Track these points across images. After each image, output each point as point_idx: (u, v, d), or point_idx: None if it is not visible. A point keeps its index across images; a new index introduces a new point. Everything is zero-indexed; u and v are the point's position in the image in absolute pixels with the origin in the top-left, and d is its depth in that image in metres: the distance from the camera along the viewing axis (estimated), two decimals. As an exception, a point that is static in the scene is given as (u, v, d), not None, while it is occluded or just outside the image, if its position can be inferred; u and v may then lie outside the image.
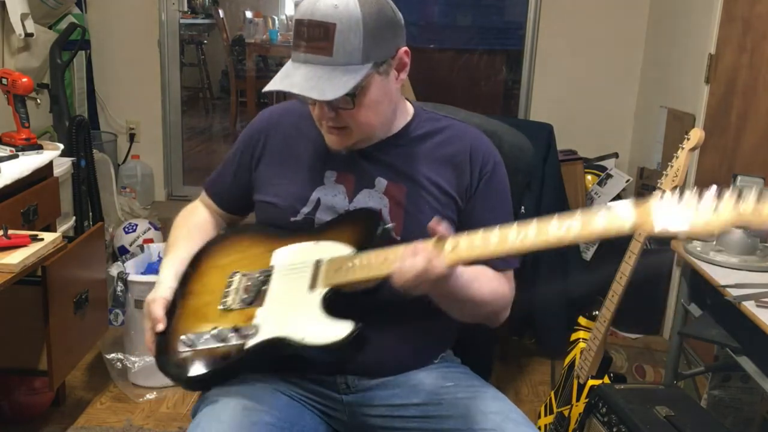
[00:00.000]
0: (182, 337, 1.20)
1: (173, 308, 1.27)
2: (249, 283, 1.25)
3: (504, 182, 1.34)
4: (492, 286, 1.25)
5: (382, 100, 1.24)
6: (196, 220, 1.47)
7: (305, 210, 1.30)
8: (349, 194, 1.30)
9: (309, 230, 1.29)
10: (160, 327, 1.23)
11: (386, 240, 1.22)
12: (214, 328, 1.19)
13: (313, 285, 1.18)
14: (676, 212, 0.92)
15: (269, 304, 1.20)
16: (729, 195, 0.90)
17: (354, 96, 1.18)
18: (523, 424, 1.19)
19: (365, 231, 1.23)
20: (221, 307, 1.23)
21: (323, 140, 1.31)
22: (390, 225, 1.26)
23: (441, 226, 1.07)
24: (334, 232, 1.25)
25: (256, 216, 1.42)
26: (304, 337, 1.12)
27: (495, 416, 1.20)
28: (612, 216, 0.96)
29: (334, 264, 1.18)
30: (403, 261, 1.06)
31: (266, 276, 1.24)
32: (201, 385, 1.23)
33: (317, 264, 1.21)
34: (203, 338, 1.19)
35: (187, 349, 1.19)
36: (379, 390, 1.28)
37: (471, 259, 1.07)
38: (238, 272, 1.28)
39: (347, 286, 1.16)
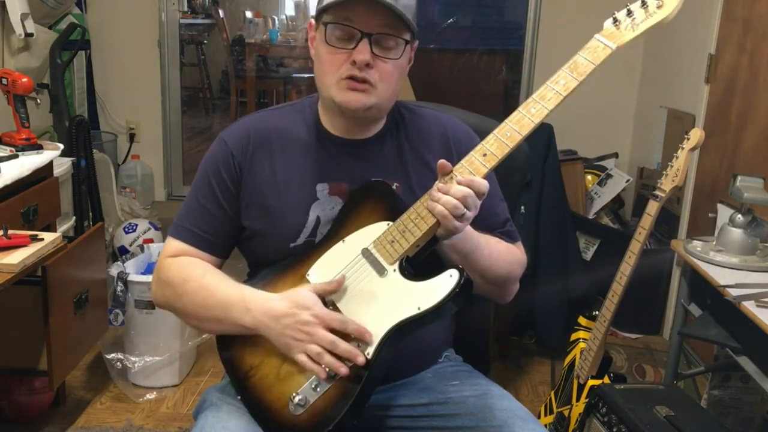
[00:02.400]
0: (294, 399, 1.11)
1: (243, 390, 1.18)
2: None
3: None
4: (501, 247, 1.29)
5: (399, 77, 1.24)
6: (205, 267, 1.26)
7: (306, 232, 1.25)
8: None
9: (322, 240, 1.23)
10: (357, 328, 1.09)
11: (400, 198, 1.22)
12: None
13: (380, 270, 1.14)
14: (635, 15, 1.14)
15: (352, 312, 1.13)
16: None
17: (406, 45, 1.19)
18: (530, 421, 1.20)
19: (385, 200, 1.20)
20: None
21: (306, 153, 1.27)
22: (395, 185, 1.24)
23: (445, 162, 1.11)
24: (351, 223, 1.20)
25: (243, 247, 1.31)
26: (418, 307, 1.08)
27: (502, 413, 1.20)
28: (595, 48, 1.13)
29: (384, 241, 1.14)
30: (440, 199, 1.08)
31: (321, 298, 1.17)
32: (349, 425, 1.10)
33: (366, 253, 1.16)
34: (314, 386, 1.11)
35: (304, 406, 1.10)
36: (387, 392, 1.28)
37: (502, 155, 1.10)
38: None
39: (411, 250, 1.13)
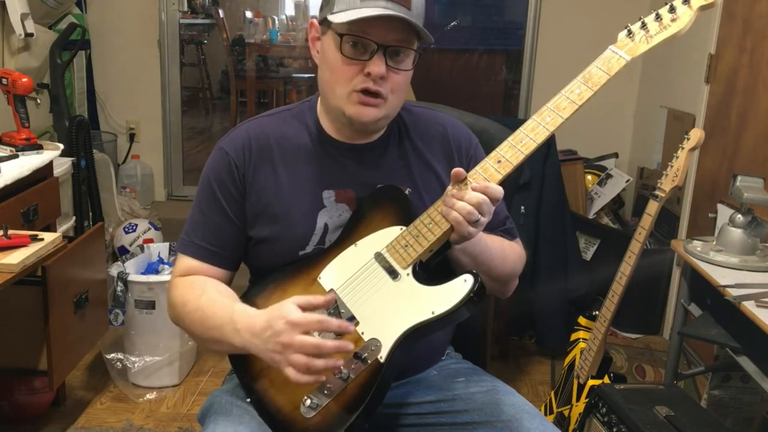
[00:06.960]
0: (306, 403, 1.10)
1: (254, 392, 1.19)
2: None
3: None
4: (505, 245, 1.30)
5: (408, 86, 1.23)
6: (212, 287, 1.24)
7: (315, 239, 1.24)
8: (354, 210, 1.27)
9: (334, 243, 1.22)
10: (350, 328, 1.06)
11: (413, 202, 1.21)
12: (337, 371, 1.10)
13: (393, 273, 1.14)
14: (649, 28, 1.13)
15: (364, 316, 1.13)
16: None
17: (417, 57, 1.18)
18: (538, 416, 1.21)
19: (398, 204, 1.20)
20: None
21: (309, 160, 1.25)
22: (407, 190, 1.23)
23: (460, 169, 1.10)
24: (364, 227, 1.20)
25: (251, 257, 1.29)
26: (432, 311, 1.09)
27: (510, 408, 1.21)
28: (609, 59, 1.15)
29: (397, 246, 1.15)
30: (455, 205, 1.08)
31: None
32: (360, 428, 1.11)
33: (379, 257, 1.16)
34: (327, 388, 1.10)
35: (316, 409, 1.10)
36: (395, 390, 1.28)
37: (517, 162, 1.10)
38: None
39: (424, 255, 1.13)
